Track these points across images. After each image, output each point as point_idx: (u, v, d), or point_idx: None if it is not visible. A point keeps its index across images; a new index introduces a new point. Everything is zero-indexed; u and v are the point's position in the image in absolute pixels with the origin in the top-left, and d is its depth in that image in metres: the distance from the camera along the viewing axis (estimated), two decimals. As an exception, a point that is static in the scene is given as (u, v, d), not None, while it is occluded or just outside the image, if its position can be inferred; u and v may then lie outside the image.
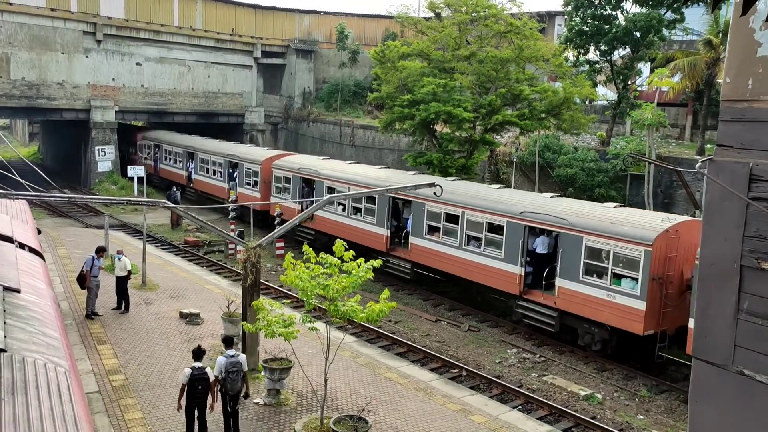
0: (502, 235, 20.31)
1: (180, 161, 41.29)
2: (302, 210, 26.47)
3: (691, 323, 14.88)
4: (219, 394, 11.15)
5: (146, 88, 45.14)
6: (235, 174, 34.43)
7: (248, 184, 33.01)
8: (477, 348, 19.17)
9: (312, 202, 23.30)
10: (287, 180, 30.07)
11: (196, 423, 11.10)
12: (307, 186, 28.96)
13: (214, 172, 36.94)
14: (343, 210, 26.62)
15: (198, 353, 11.09)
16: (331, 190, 26.70)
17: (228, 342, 11.70)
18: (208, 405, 10.99)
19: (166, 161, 42.95)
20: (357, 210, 25.91)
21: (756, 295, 4.83)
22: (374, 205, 25.04)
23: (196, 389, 10.84)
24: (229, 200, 32.98)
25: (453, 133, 29.50)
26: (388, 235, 24.79)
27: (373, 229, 25.19)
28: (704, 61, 30.05)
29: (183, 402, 10.96)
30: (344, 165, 28.99)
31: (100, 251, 18.17)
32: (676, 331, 16.96)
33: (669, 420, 15.14)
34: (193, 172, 39.37)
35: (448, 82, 28.16)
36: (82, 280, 17.54)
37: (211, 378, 10.98)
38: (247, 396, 11.69)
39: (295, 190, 29.45)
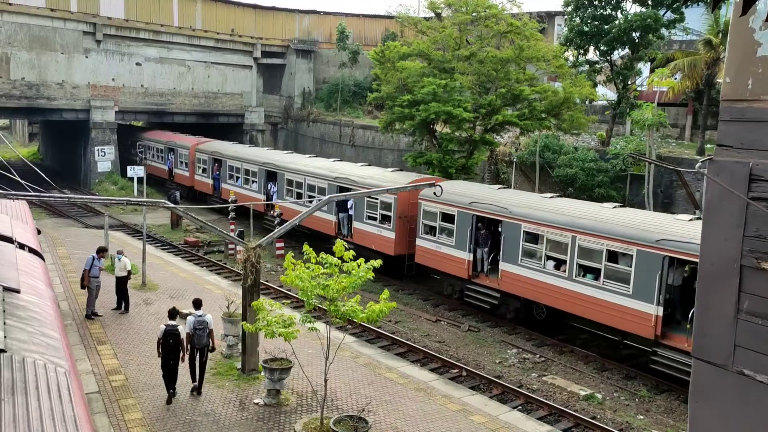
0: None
1: (255, 181, 33.12)
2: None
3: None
4: (189, 346, 13.27)
5: (146, 88, 45.14)
6: (349, 206, 26.69)
7: (372, 218, 25.28)
8: (477, 348, 19.17)
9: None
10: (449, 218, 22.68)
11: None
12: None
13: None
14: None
15: (172, 313, 13.36)
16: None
17: (197, 304, 13.64)
18: (180, 357, 13.14)
19: (232, 180, 35.11)
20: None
21: (756, 295, 4.83)
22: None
23: (168, 342, 12.98)
24: (230, 200, 32.97)
25: (453, 133, 29.50)
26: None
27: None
28: (704, 61, 30.06)
29: (161, 353, 13.14)
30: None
31: (101, 251, 18.11)
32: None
33: (669, 420, 15.14)
34: (275, 196, 31.20)
35: (449, 83, 28.15)
36: (84, 280, 17.62)
37: (182, 335, 13.04)
38: (213, 350, 13.68)
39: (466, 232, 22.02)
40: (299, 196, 28.85)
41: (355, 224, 26.04)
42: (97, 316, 17.75)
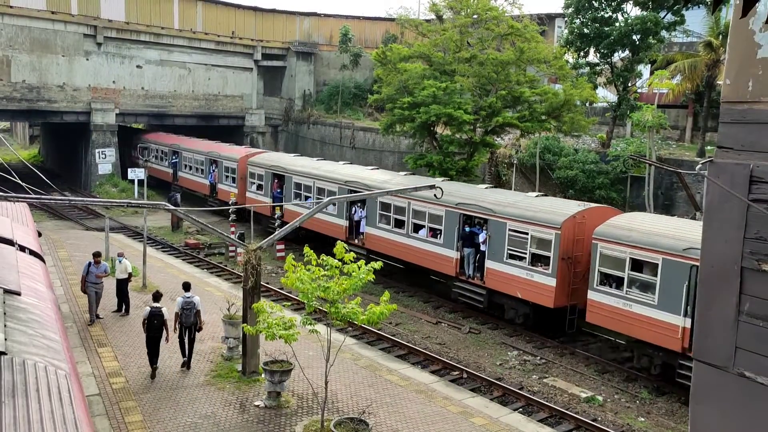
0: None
1: (334, 204, 25.65)
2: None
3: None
4: (178, 325, 14.52)
5: (147, 90, 45.17)
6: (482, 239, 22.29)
7: (516, 256, 20.25)
8: (478, 350, 19.16)
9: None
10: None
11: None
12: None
13: (432, 231, 23.13)
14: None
15: (156, 296, 14.76)
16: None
17: (186, 287, 14.95)
18: (163, 337, 14.30)
19: (301, 200, 29.43)
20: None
21: (757, 297, 4.82)
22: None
23: (152, 323, 14.15)
24: (230, 202, 32.99)
25: (453, 135, 29.51)
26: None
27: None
28: (704, 63, 30.07)
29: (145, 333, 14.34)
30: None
31: (96, 256, 17.56)
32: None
33: (670, 422, 15.12)
34: (362, 224, 25.90)
35: (449, 85, 28.17)
36: (84, 284, 17.40)
37: (166, 316, 14.27)
38: (200, 329, 14.95)
39: None
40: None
41: (490, 264, 20.84)
42: (98, 319, 17.66)
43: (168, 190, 39.00)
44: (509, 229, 20.21)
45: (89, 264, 17.27)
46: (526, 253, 19.71)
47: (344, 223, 26.52)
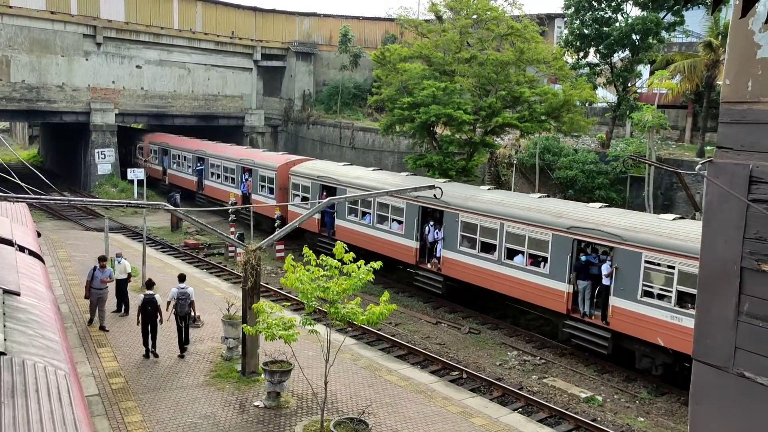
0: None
1: (401, 221, 24.09)
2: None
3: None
4: (173, 314, 15.40)
5: (146, 90, 45.17)
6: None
7: (650, 293, 16.92)
8: (477, 350, 19.15)
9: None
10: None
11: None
12: None
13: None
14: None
15: (149, 284, 15.90)
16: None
17: (181, 278, 15.82)
18: (158, 320, 15.34)
19: (355, 217, 26.37)
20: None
21: (756, 297, 4.82)
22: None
23: (147, 309, 15.14)
24: (230, 202, 32.99)
25: (453, 136, 29.52)
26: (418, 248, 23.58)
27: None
28: (704, 63, 30.08)
29: (141, 321, 15.39)
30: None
31: (102, 260, 17.20)
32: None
33: (669, 422, 15.12)
34: (439, 247, 22.96)
35: (448, 85, 28.18)
36: (86, 291, 16.98)
37: (159, 302, 15.29)
38: (194, 320, 16.26)
39: None
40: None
41: (616, 302, 17.31)
42: (104, 330, 16.99)
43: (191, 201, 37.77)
44: (645, 261, 16.66)
45: (94, 269, 16.85)
46: (671, 291, 16.16)
47: (414, 244, 23.58)
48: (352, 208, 26.16)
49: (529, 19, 31.90)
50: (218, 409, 12.96)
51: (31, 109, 40.56)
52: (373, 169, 28.67)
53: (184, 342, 15.65)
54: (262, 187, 31.97)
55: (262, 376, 13.39)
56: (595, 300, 18.15)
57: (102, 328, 16.99)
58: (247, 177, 33.78)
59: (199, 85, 47.92)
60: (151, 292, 15.42)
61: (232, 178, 35.10)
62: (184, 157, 40.19)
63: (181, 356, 15.49)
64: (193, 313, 15.83)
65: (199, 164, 38.51)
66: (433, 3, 32.41)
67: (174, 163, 41.56)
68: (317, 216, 27.02)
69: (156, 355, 15.38)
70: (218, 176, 36.54)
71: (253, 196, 32.44)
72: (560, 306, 18.78)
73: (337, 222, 27.14)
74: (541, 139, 31.89)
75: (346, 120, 47.03)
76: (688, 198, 27.32)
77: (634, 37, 30.34)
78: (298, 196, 29.30)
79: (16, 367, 5.28)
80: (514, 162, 32.77)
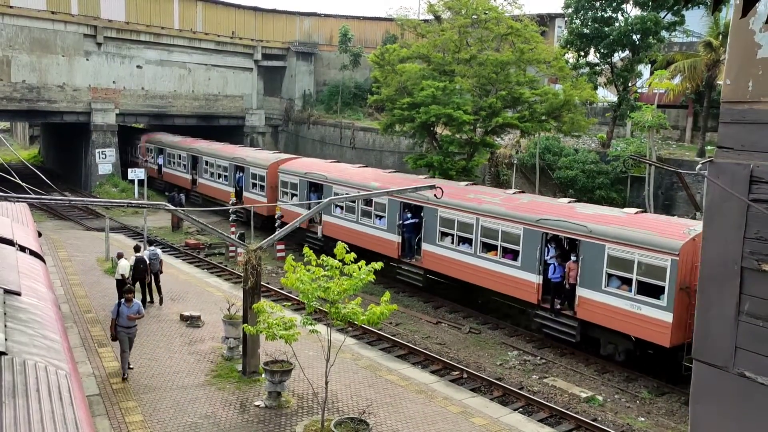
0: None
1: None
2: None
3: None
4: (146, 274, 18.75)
5: (147, 90, 45.18)
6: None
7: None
8: (478, 350, 19.15)
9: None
10: None
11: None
12: None
13: None
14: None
15: (137, 248, 19.71)
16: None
17: (150, 242, 19.01)
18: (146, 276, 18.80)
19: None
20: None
21: (757, 297, 4.83)
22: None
23: (138, 267, 18.44)
24: (230, 203, 32.99)
25: (453, 136, 29.51)
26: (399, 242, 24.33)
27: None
28: (704, 63, 30.08)
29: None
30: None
31: (128, 293, 14.27)
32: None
33: (670, 422, 15.12)
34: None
35: (447, 85, 28.17)
36: (112, 330, 14.14)
37: (148, 261, 18.67)
38: (161, 272, 19.62)
39: None
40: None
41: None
42: (129, 368, 14.29)
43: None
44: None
45: (119, 303, 14.01)
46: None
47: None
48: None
49: (529, 19, 31.88)
50: (219, 409, 12.96)
51: (32, 109, 40.56)
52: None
53: (159, 294, 19.30)
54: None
55: (263, 375, 13.39)
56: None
57: (125, 375, 14.13)
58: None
59: (199, 85, 47.93)
60: (139, 254, 18.83)
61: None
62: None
63: (160, 302, 19.15)
64: (160, 268, 19.39)
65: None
66: (430, 3, 32.39)
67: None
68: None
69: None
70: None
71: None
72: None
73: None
74: (542, 139, 31.88)
75: (347, 120, 47.04)
76: (689, 198, 27.31)
77: (634, 36, 30.33)
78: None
79: (17, 367, 5.29)
80: (515, 162, 32.77)
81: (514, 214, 19.96)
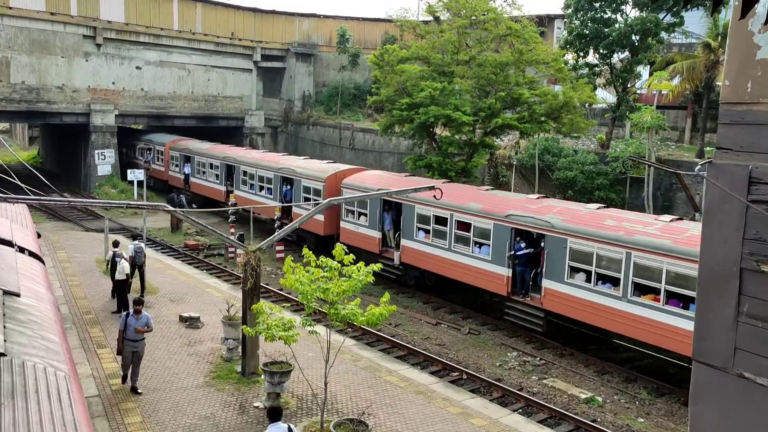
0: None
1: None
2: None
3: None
4: (132, 264, 19.30)
5: (146, 91, 45.18)
6: None
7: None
8: (477, 351, 19.15)
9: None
10: None
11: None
12: None
13: None
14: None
15: (115, 244, 20.30)
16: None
17: (135, 237, 20.65)
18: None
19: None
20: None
21: (756, 298, 4.83)
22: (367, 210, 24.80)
23: (116, 262, 18.68)
24: (230, 203, 32.98)
25: (453, 137, 29.53)
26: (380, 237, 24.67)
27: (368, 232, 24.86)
28: (703, 64, 30.10)
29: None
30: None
31: (136, 304, 13.76)
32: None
33: (669, 423, 15.12)
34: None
35: (446, 86, 28.18)
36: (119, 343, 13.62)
37: (125, 256, 18.97)
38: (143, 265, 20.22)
39: None
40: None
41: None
42: (137, 394, 13.44)
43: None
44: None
45: (127, 315, 13.52)
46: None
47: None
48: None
49: (528, 20, 31.93)
50: (218, 410, 12.96)
51: (31, 110, 40.55)
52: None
53: (142, 287, 19.96)
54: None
55: (262, 377, 13.38)
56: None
57: (134, 389, 13.50)
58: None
59: (199, 86, 47.93)
60: (117, 249, 19.37)
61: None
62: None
63: (141, 295, 18.48)
64: (144, 262, 20.21)
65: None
66: (429, 4, 32.41)
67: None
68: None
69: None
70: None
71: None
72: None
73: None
74: (541, 140, 31.89)
75: (346, 121, 47.04)
76: (688, 199, 27.32)
77: (633, 37, 30.37)
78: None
79: (16, 368, 5.29)
80: (514, 163, 32.78)
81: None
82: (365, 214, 25.73)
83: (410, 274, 24.17)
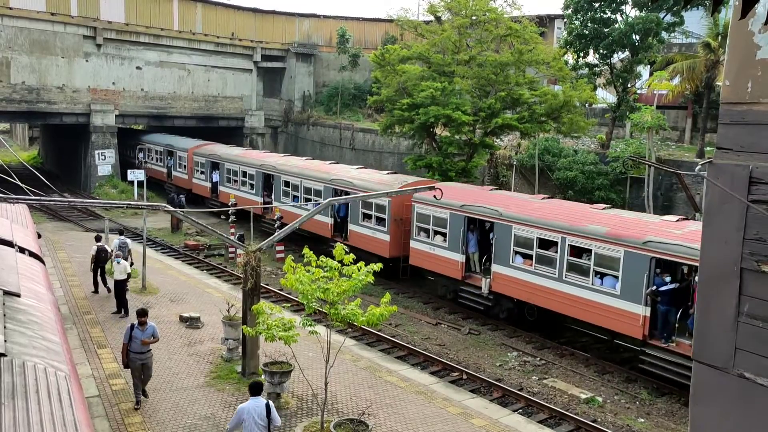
0: None
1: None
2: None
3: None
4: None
5: (146, 92, 45.19)
6: None
7: None
8: (477, 351, 19.15)
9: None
10: None
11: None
12: None
13: None
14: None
15: (98, 238, 21.06)
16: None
17: (120, 232, 21.61)
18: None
19: (290, 201, 28.09)
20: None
21: (756, 298, 4.83)
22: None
23: (100, 256, 19.85)
24: (230, 203, 32.98)
25: (453, 137, 29.53)
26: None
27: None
28: (703, 64, 30.09)
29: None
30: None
31: (141, 316, 12.93)
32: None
33: (670, 423, 15.12)
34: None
35: (446, 86, 28.19)
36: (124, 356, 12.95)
37: (108, 250, 20.15)
38: (132, 263, 20.04)
39: None
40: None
41: (496, 268, 20.09)
42: (144, 398, 13.15)
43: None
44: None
45: (132, 327, 12.81)
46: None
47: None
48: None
49: (528, 20, 31.92)
50: (218, 410, 12.95)
51: (32, 110, 40.57)
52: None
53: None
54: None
55: (262, 377, 13.38)
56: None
57: (144, 393, 13.15)
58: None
59: (199, 86, 47.93)
60: (101, 243, 20.20)
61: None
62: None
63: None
64: (130, 259, 20.03)
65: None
66: (431, 4, 32.43)
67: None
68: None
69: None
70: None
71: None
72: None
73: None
74: (541, 140, 31.89)
75: (346, 121, 47.04)
76: (688, 199, 27.31)
77: (633, 37, 30.36)
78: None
79: (17, 369, 5.29)
80: (514, 163, 32.77)
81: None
82: (443, 234, 22.50)
83: (503, 305, 21.16)
